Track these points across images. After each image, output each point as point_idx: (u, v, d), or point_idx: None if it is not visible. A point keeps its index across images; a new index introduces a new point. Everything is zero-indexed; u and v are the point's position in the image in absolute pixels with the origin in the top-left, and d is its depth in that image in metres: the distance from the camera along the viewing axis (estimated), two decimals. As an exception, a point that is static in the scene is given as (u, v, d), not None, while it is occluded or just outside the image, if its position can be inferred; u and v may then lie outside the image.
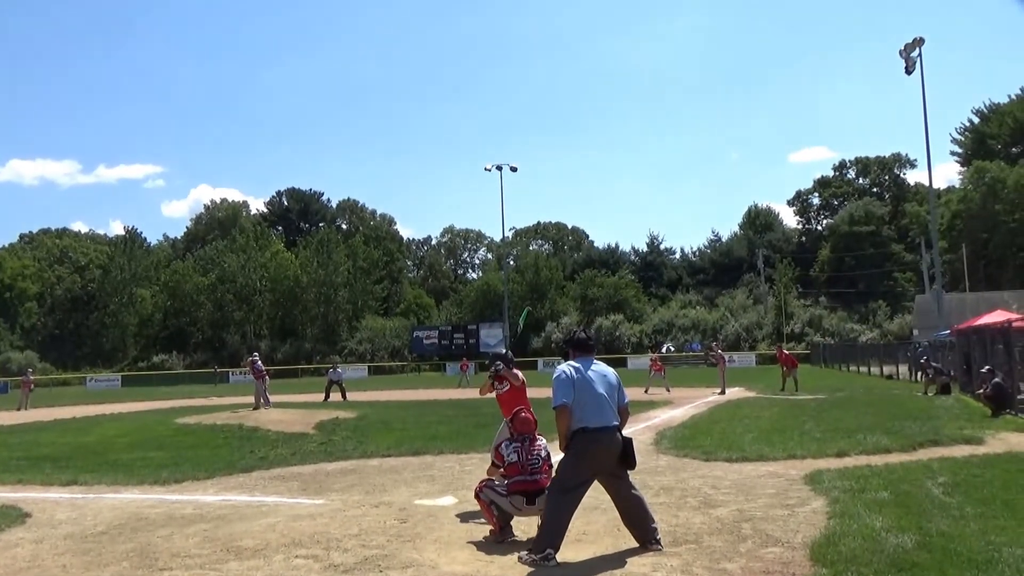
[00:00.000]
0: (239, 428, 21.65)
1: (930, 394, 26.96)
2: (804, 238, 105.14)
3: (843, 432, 16.87)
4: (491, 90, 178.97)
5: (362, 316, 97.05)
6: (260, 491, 12.46)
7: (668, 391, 32.71)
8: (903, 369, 40.74)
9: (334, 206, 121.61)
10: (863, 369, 46.97)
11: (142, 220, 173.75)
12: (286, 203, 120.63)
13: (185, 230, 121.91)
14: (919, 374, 32.48)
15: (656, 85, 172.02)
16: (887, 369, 43.68)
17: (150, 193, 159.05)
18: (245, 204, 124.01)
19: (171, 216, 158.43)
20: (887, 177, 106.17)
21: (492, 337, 79.78)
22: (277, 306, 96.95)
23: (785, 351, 34.77)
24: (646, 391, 32.69)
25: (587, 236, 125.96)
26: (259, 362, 30.02)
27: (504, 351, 10.67)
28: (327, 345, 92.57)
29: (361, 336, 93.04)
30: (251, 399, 31.06)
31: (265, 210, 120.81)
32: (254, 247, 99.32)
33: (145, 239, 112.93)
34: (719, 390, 32.49)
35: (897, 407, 22.19)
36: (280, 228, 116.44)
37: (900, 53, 47.60)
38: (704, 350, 67.70)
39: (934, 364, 29.37)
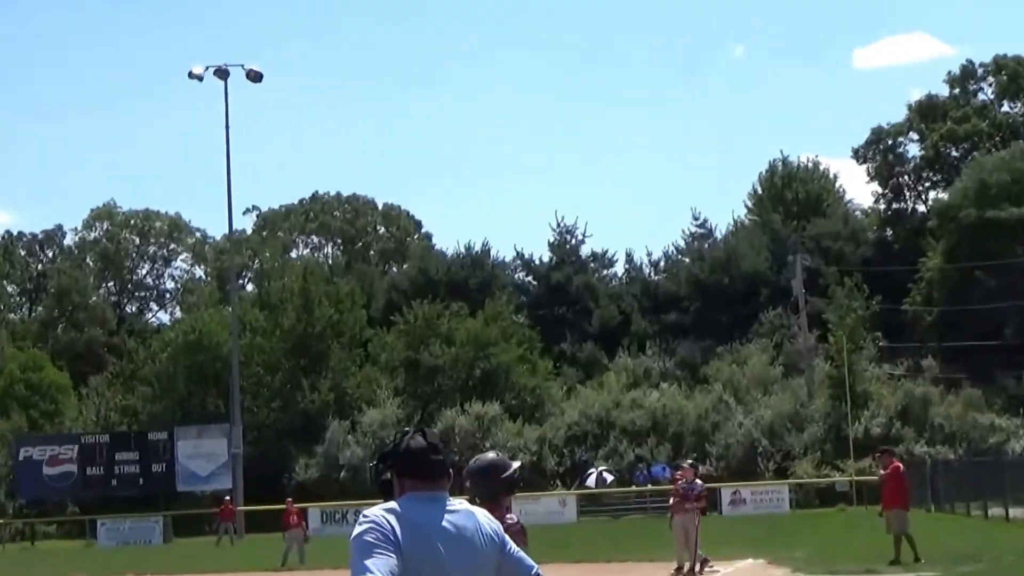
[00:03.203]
0: None
1: None
2: (891, 232, 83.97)
3: None
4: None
5: None
6: None
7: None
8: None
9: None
10: (1018, 512, 36.33)
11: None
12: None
13: None
14: None
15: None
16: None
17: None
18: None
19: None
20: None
21: (205, 457, 63.10)
22: None
23: (898, 464, 26.83)
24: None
25: (420, 228, 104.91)
26: None
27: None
28: None
29: None
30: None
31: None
32: None
33: None
34: (679, 565, 25.27)
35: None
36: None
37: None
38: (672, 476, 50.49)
39: None
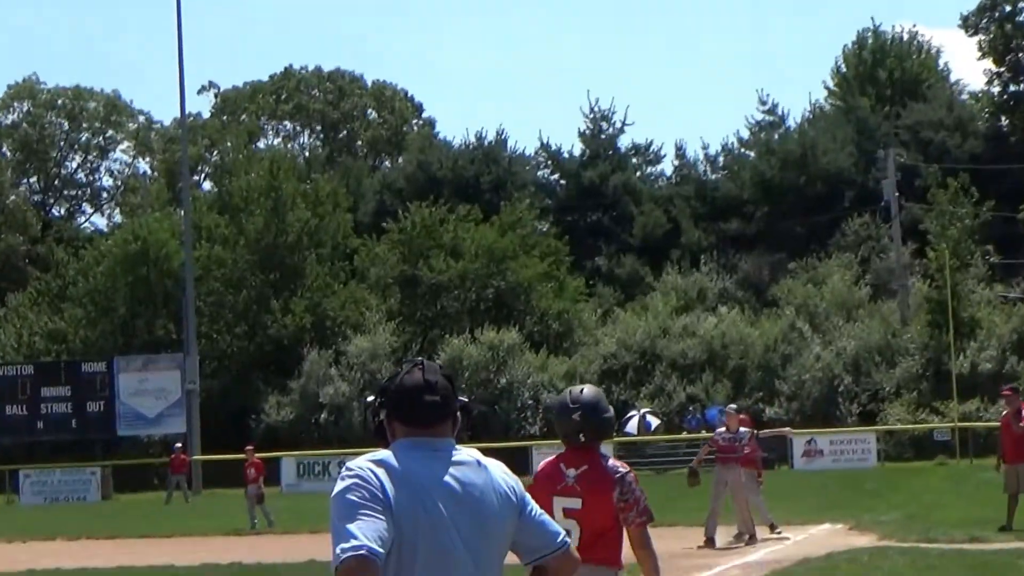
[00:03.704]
0: None
1: None
2: (1007, 121, 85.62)
3: None
4: None
5: None
6: None
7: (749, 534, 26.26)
8: None
9: None
10: None
11: None
12: None
13: None
14: None
15: None
16: None
17: None
18: None
19: None
20: None
21: (152, 394, 63.67)
22: None
23: None
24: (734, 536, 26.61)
25: (420, 113, 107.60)
26: None
27: None
28: None
29: None
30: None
31: None
32: None
33: None
34: (740, 531, 26.26)
35: None
36: None
37: None
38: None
39: None
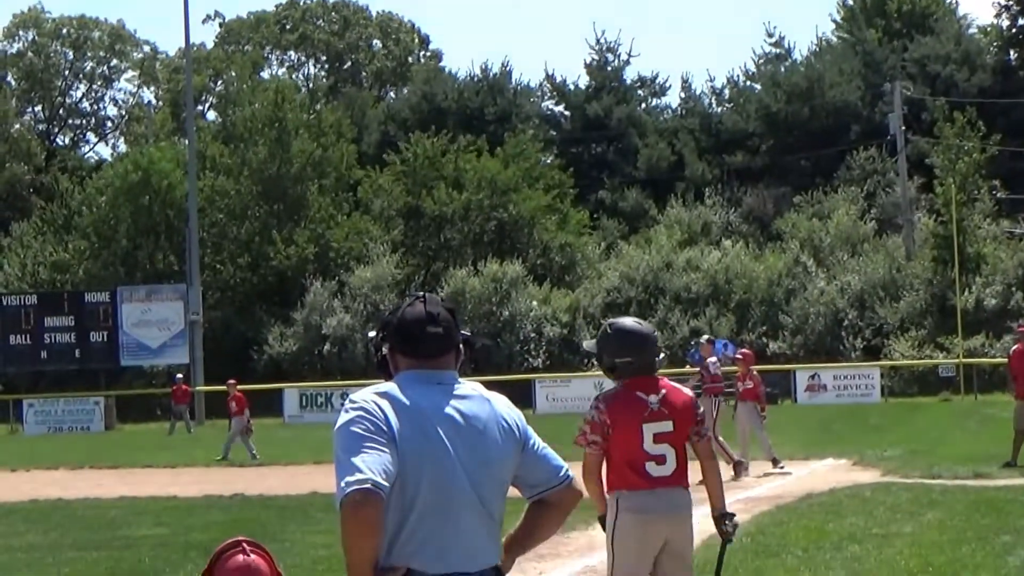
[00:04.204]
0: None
1: None
2: (1014, 55, 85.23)
3: None
4: None
5: None
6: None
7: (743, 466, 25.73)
8: None
9: None
10: None
11: None
12: None
13: None
14: None
15: None
16: None
17: None
18: None
19: None
20: None
21: (155, 324, 63.64)
22: None
23: None
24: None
25: (427, 44, 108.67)
26: None
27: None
28: None
29: None
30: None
31: None
32: None
33: None
34: (736, 458, 25.57)
35: None
36: None
37: None
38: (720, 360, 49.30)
39: None
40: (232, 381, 39.77)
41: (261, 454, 35.51)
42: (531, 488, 5.97)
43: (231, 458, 35.18)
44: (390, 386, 5.74)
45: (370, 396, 5.70)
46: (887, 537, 16.74)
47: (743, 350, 31.32)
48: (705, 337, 33.25)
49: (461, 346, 5.93)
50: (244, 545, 5.73)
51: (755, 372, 28.03)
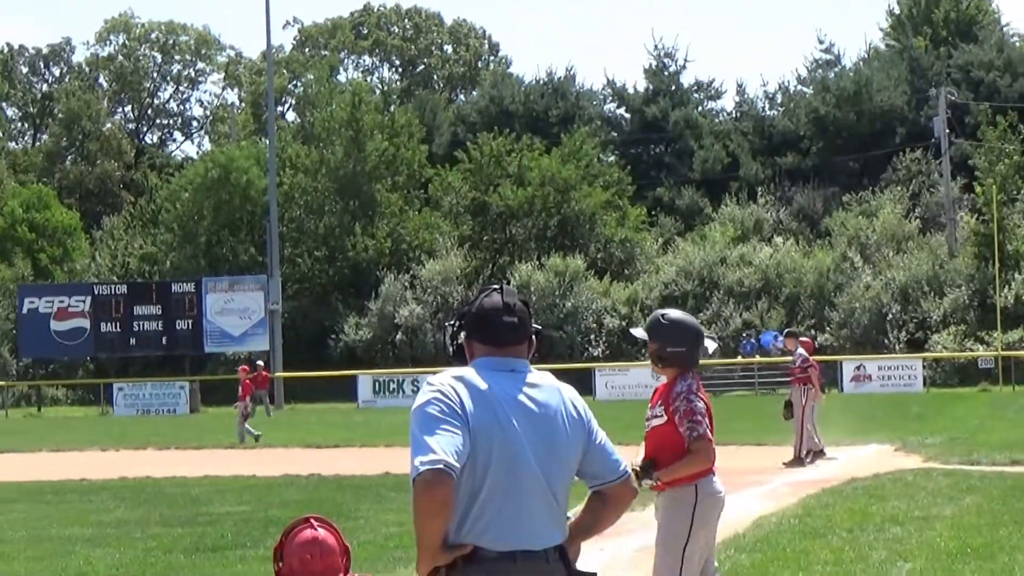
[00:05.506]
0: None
1: None
2: None
3: None
4: None
5: None
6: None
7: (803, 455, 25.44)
8: None
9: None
10: None
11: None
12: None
13: None
14: None
15: None
16: None
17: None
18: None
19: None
20: None
21: (237, 313, 64.11)
22: None
23: None
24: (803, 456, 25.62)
25: (497, 51, 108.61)
26: None
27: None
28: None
29: None
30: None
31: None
32: None
33: None
34: (798, 452, 25.39)
35: None
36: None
37: None
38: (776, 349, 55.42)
39: None
40: (244, 368, 40.59)
41: (337, 437, 35.30)
42: (592, 479, 5.94)
43: (254, 439, 35.44)
44: (466, 370, 5.73)
45: (447, 379, 5.70)
46: (928, 520, 16.70)
47: (803, 339, 30.77)
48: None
49: (533, 337, 5.93)
50: (312, 521, 5.86)
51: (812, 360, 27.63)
